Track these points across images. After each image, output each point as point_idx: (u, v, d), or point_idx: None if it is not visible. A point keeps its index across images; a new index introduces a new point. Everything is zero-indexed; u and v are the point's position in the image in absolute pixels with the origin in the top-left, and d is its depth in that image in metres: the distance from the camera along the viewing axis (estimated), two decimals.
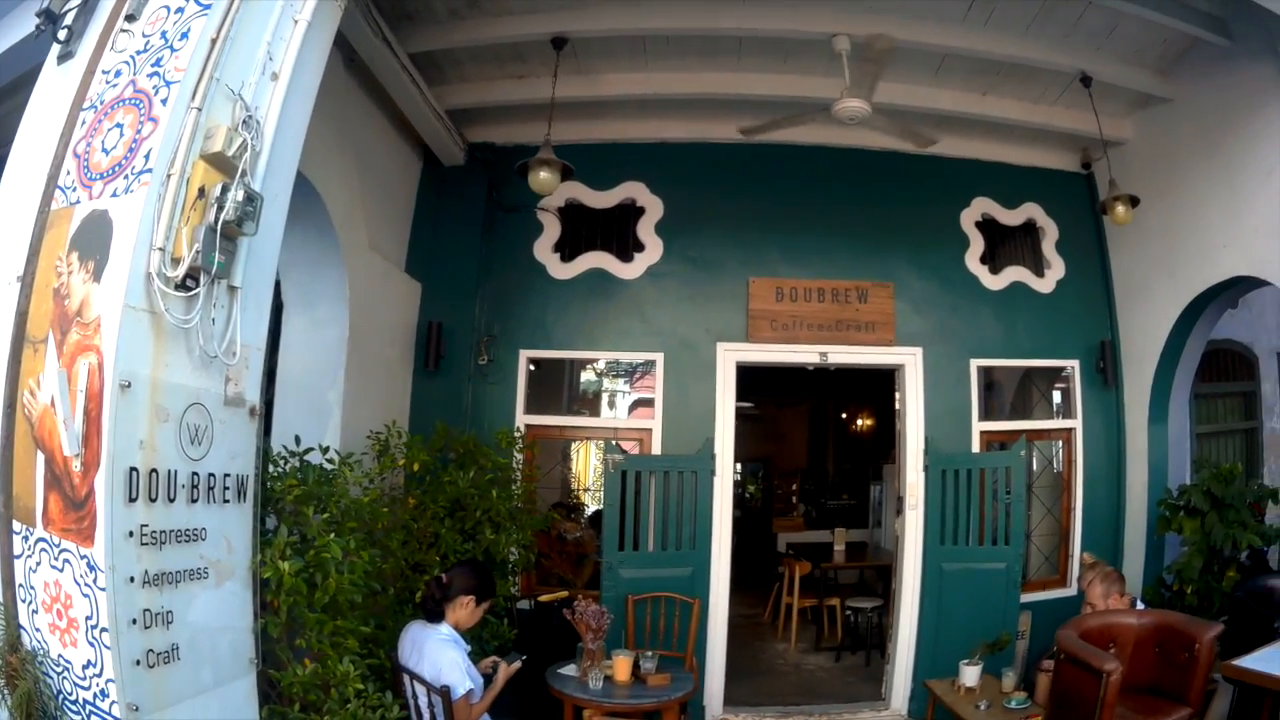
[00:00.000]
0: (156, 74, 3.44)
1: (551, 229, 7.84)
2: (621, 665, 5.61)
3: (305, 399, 5.92)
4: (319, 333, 6.04)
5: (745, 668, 8.65)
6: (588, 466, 10.87)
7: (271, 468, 4.35)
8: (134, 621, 3.06)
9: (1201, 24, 6.21)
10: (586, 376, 10.02)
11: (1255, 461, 9.98)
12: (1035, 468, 8.61)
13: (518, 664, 4.81)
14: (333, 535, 4.12)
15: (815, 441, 18.46)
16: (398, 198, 7.35)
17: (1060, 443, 8.37)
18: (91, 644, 3.03)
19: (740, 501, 18.69)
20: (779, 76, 7.06)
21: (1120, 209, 6.75)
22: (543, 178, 6.30)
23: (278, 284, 5.85)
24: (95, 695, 3.04)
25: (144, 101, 3.41)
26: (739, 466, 19.14)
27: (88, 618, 3.03)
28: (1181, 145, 7.24)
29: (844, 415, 16.79)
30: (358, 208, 6.27)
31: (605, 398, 9.48)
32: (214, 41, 3.48)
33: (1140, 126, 7.82)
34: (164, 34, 3.56)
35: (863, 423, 15.89)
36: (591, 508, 9.68)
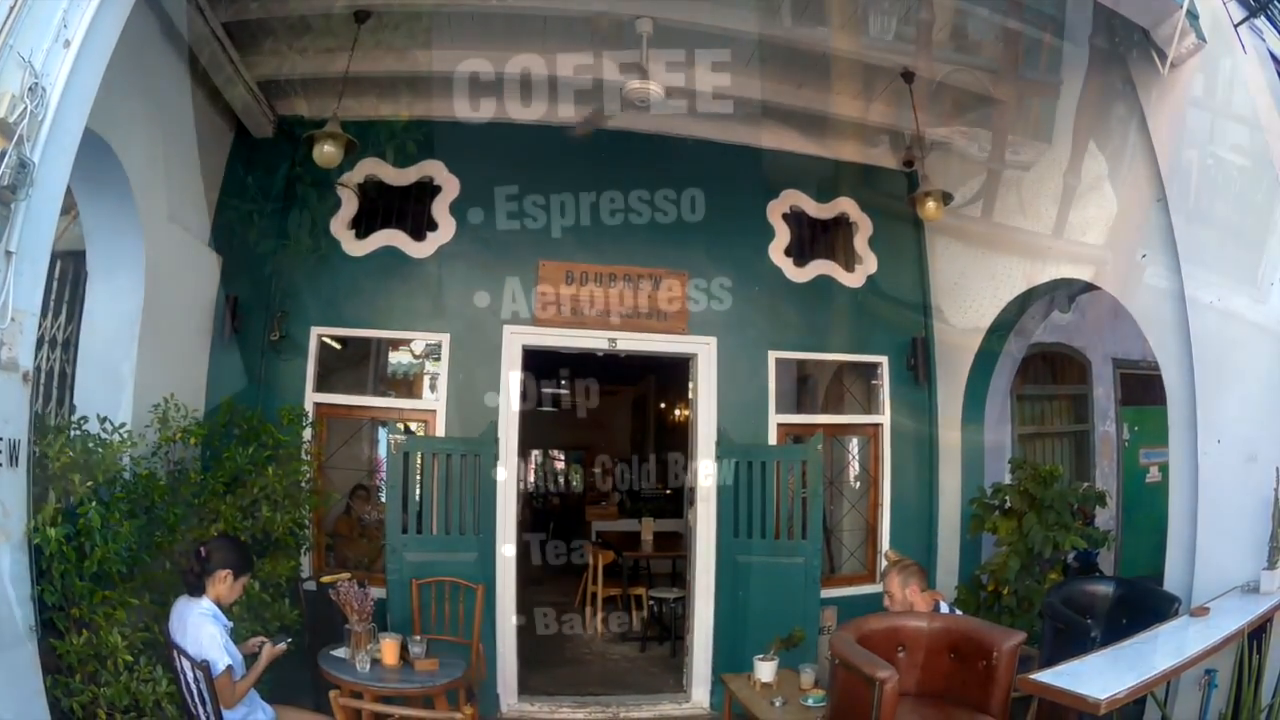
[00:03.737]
0: None
1: (350, 205, 8.03)
2: (389, 649, 5.82)
3: (103, 369, 6.13)
4: (117, 303, 6.22)
5: (547, 656, 9.07)
6: None
7: (59, 435, 4.71)
8: None
9: (1045, 26, 6.62)
10: (397, 357, 10.14)
11: (1086, 464, 10.70)
12: (855, 463, 9.23)
13: (283, 646, 5.05)
14: (94, 504, 4.48)
15: (636, 430, 18.95)
16: (205, 169, 7.48)
17: (868, 438, 8.90)
18: None
19: (561, 488, 19.19)
20: (585, 59, 7.26)
21: (930, 204, 7.17)
22: (326, 151, 6.56)
23: (82, 253, 6.04)
24: None
25: None
26: (562, 454, 19.60)
27: None
28: (1012, 147, 7.64)
29: (664, 405, 17.10)
30: (160, 178, 6.47)
31: (425, 379, 9.66)
32: (12, 8, 3.79)
33: (970, 126, 8.27)
34: None
35: (681, 413, 16.21)
36: None
